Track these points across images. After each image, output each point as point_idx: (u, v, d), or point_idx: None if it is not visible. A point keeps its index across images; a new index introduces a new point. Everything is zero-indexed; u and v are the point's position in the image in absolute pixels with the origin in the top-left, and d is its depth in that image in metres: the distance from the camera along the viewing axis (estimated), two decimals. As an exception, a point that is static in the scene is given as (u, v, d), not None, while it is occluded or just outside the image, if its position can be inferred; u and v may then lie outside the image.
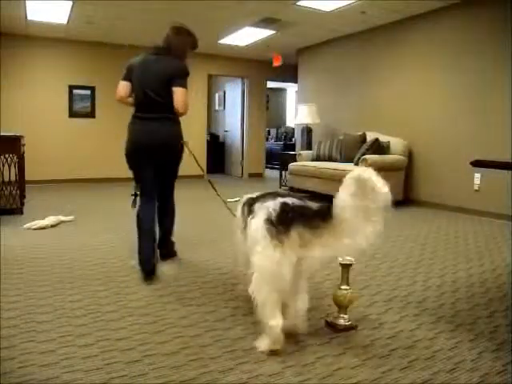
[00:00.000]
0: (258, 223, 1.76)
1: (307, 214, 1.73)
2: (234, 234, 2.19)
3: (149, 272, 2.66)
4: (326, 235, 1.67)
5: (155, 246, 2.82)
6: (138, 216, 2.76)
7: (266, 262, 1.69)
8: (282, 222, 1.70)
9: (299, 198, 1.85)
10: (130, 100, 2.85)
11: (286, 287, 1.71)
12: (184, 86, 2.69)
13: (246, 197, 2.10)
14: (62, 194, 6.30)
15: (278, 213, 1.72)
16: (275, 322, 1.71)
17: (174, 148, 2.80)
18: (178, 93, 2.65)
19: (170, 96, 2.66)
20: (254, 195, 2.03)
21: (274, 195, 1.86)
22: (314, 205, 1.79)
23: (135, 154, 2.77)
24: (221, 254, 3.25)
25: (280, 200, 1.78)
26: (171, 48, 2.74)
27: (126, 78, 2.82)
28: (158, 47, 2.77)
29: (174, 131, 2.79)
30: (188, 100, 2.70)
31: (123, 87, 2.82)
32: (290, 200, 1.79)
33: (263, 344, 1.79)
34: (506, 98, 4.69)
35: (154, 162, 2.77)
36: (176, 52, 2.75)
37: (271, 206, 1.76)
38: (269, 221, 1.71)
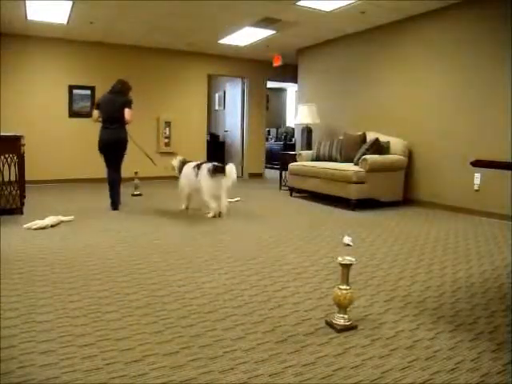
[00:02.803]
0: (204, 172, 4.54)
1: (221, 169, 4.52)
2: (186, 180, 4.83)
3: (115, 207, 5.01)
4: (225, 176, 4.52)
5: (118, 192, 5.05)
6: (107, 178, 5.01)
7: (207, 185, 4.49)
8: (213, 172, 4.50)
9: (219, 163, 4.68)
10: (99, 119, 4.97)
11: (215, 193, 4.53)
12: (131, 108, 4.91)
13: (192, 163, 4.84)
14: (62, 194, 6.31)
15: (211, 169, 4.51)
16: (213, 205, 4.56)
17: (120, 144, 4.92)
18: (127, 111, 4.88)
19: (120, 114, 4.83)
20: (195, 163, 4.79)
21: (209, 162, 4.70)
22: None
23: (101, 147, 4.92)
24: (220, 252, 3.27)
25: (212, 163, 4.59)
26: (120, 90, 4.96)
27: (97, 108, 5.00)
28: (113, 90, 4.95)
29: (121, 135, 4.90)
30: (132, 114, 4.97)
31: (95, 114, 5.00)
32: (217, 164, 4.60)
33: (210, 214, 4.61)
34: (506, 98, 4.69)
35: (110, 152, 4.92)
36: (124, 91, 4.97)
37: (209, 166, 4.55)
38: (209, 171, 4.50)
